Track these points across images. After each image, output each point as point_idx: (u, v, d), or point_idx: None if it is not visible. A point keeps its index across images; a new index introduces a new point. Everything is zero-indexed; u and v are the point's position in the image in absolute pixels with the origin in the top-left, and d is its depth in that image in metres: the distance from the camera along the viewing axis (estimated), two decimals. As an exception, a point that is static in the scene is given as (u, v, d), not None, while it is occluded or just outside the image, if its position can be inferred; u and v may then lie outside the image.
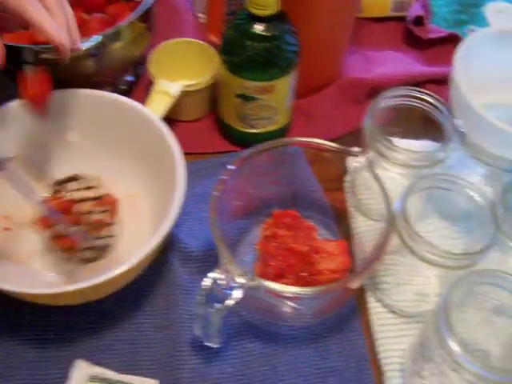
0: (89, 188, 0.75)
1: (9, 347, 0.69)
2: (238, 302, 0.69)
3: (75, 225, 0.73)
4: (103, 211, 0.75)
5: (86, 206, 0.74)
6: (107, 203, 0.76)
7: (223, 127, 0.88)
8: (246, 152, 0.71)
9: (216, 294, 0.62)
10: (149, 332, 0.71)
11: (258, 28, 0.74)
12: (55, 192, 0.75)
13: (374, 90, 0.90)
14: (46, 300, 0.67)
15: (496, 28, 0.75)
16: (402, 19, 1.04)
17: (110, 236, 0.75)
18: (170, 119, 0.88)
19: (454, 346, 0.56)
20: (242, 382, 0.68)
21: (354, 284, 0.66)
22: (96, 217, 0.74)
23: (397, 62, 0.97)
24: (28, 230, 0.75)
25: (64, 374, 0.66)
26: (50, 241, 0.73)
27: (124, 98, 0.78)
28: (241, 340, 0.71)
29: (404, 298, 0.72)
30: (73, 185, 0.76)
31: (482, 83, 0.75)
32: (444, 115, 0.74)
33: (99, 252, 0.74)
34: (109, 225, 0.75)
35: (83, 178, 0.76)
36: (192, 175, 0.82)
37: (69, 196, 0.74)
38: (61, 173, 0.80)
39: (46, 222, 0.73)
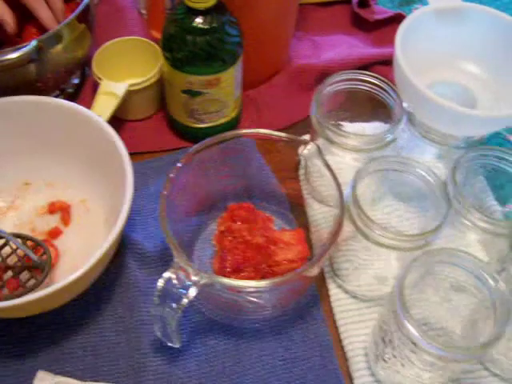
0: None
1: (-36, 363, 0.68)
2: (197, 300, 0.69)
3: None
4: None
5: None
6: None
7: (173, 124, 0.87)
8: (194, 148, 0.70)
9: (171, 294, 0.61)
10: (110, 337, 0.70)
11: (197, 21, 0.73)
12: None
13: (324, 75, 0.88)
14: (1, 314, 0.66)
15: (434, 5, 0.75)
16: (347, 2, 1.04)
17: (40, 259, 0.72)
18: (120, 119, 0.87)
19: (411, 328, 0.56)
20: (208, 379, 0.67)
21: (311, 272, 0.65)
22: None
23: (345, 46, 0.96)
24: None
25: (27, 387, 0.66)
26: None
27: (68, 103, 0.76)
28: (203, 337, 0.70)
29: (364, 282, 0.72)
30: None
31: (426, 61, 0.75)
32: (391, 96, 0.74)
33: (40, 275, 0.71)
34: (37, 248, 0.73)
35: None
36: (145, 174, 0.83)
37: None
38: (11, 182, 0.79)
39: None
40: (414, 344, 0.56)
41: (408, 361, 0.59)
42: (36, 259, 0.71)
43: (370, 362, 0.67)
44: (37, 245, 0.73)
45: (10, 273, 0.71)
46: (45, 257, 0.72)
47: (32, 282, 0.70)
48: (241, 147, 0.76)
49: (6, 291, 0.70)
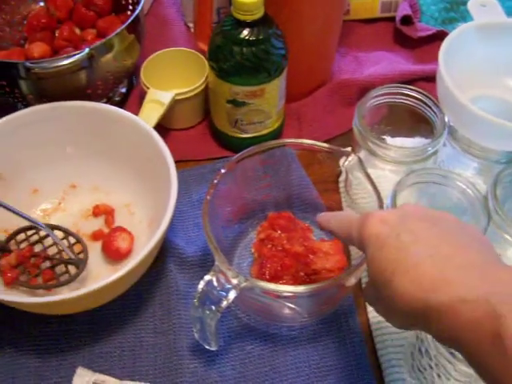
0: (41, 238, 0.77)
1: (12, 356, 0.70)
2: (235, 304, 0.70)
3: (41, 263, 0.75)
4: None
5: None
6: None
7: (216, 133, 0.89)
8: (238, 155, 0.72)
9: (211, 297, 0.62)
10: (148, 338, 0.71)
11: (244, 33, 0.75)
12: (5, 250, 0.75)
13: (366, 90, 0.89)
14: (46, 309, 0.68)
15: (479, 21, 0.76)
16: (390, 19, 1.05)
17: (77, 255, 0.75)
18: (165, 128, 0.89)
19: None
20: (243, 384, 0.68)
21: (348, 281, 0.66)
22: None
23: (387, 62, 0.97)
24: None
25: (66, 382, 0.67)
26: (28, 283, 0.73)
27: (117, 109, 0.79)
28: (240, 342, 0.71)
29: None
30: (20, 236, 0.76)
31: (468, 77, 0.76)
32: (433, 111, 0.74)
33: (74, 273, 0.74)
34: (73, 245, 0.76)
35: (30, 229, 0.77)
36: (188, 182, 0.84)
37: (24, 245, 0.76)
38: (59, 184, 0.82)
39: (11, 276, 0.73)
40: (452, 354, 0.56)
41: (444, 371, 0.59)
42: (73, 256, 0.74)
43: (405, 372, 0.67)
44: (77, 242, 0.76)
45: (47, 263, 0.75)
46: (82, 255, 0.74)
47: (66, 276, 0.73)
48: (282, 157, 0.77)
49: (40, 280, 0.73)
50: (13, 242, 0.76)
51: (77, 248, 0.75)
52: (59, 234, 0.77)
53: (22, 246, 0.76)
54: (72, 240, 0.76)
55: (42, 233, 0.76)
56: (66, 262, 0.74)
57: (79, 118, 0.79)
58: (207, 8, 0.86)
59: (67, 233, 0.77)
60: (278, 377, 0.69)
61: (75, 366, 0.69)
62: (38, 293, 0.73)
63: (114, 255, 0.76)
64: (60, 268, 0.74)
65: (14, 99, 0.83)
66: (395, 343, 0.70)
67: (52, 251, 0.75)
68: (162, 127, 0.86)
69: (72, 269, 0.74)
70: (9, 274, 0.72)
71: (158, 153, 0.74)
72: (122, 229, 0.77)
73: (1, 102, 0.83)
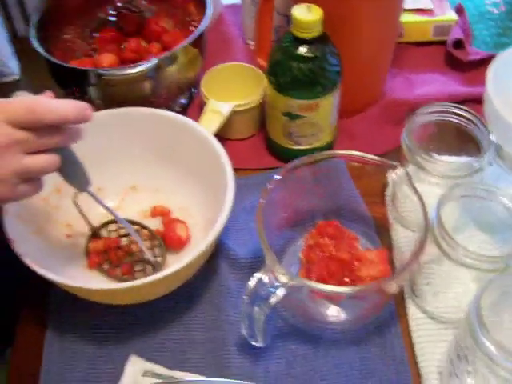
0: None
1: (69, 342, 0.75)
2: (282, 305, 0.73)
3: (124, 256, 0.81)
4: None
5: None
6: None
7: (271, 144, 0.93)
8: (292, 164, 0.76)
9: (261, 294, 0.65)
10: (198, 332, 0.75)
11: (302, 50, 0.80)
12: (96, 235, 0.82)
13: (416, 109, 0.93)
14: (104, 298, 0.73)
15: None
16: (443, 43, 1.08)
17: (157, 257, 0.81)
18: (223, 138, 0.93)
19: (488, 345, 0.57)
20: (286, 381, 0.71)
21: (391, 287, 0.69)
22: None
23: (437, 84, 1.00)
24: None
25: (119, 369, 0.71)
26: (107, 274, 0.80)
27: (181, 117, 0.83)
28: (285, 341, 0.74)
29: (442, 304, 0.74)
30: (112, 226, 0.83)
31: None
32: (480, 129, 0.76)
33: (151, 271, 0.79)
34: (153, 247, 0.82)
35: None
36: (241, 190, 0.87)
37: (113, 235, 0.83)
38: (121, 185, 0.86)
39: (95, 261, 0.80)
40: (491, 360, 0.57)
41: (482, 377, 0.60)
42: (152, 260, 0.79)
43: (443, 379, 0.68)
44: (159, 245, 0.81)
45: (129, 258, 0.80)
46: (160, 259, 0.80)
47: (141, 274, 0.78)
48: (333, 169, 0.80)
49: (118, 271, 0.79)
50: (104, 229, 0.82)
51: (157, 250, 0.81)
52: (145, 233, 0.83)
53: (112, 235, 0.82)
54: (155, 242, 0.81)
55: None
56: (145, 262, 0.79)
57: (147, 123, 0.83)
58: (268, 27, 0.91)
59: (153, 235, 0.82)
60: (320, 376, 0.72)
61: (126, 354, 0.72)
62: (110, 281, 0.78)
63: (175, 244, 0.80)
64: (139, 265, 0.80)
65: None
66: (435, 351, 0.72)
67: (135, 248, 0.81)
68: (219, 137, 0.90)
69: (148, 268, 0.79)
70: (94, 258, 0.79)
71: (217, 161, 0.78)
72: (177, 220, 0.82)
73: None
